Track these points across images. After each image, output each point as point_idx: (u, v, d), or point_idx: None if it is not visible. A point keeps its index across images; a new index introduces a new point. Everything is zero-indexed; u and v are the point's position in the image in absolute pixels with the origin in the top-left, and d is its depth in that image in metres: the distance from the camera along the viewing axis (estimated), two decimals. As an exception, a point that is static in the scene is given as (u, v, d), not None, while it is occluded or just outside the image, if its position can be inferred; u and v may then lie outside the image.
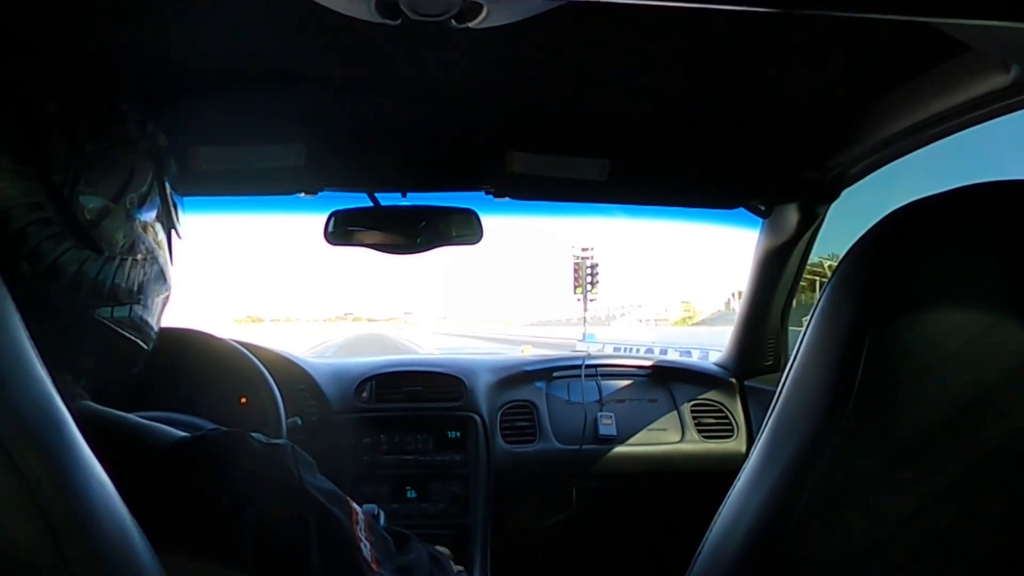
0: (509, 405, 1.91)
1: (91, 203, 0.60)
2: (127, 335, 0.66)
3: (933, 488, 0.43)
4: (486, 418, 1.84)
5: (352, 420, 1.82)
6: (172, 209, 0.74)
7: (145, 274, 0.67)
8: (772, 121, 1.32)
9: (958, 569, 0.43)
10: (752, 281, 1.81)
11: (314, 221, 1.57)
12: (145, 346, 0.70)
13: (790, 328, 1.90)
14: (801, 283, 1.82)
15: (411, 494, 1.78)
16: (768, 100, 1.24)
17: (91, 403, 0.66)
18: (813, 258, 1.75)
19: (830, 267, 0.53)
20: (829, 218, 1.61)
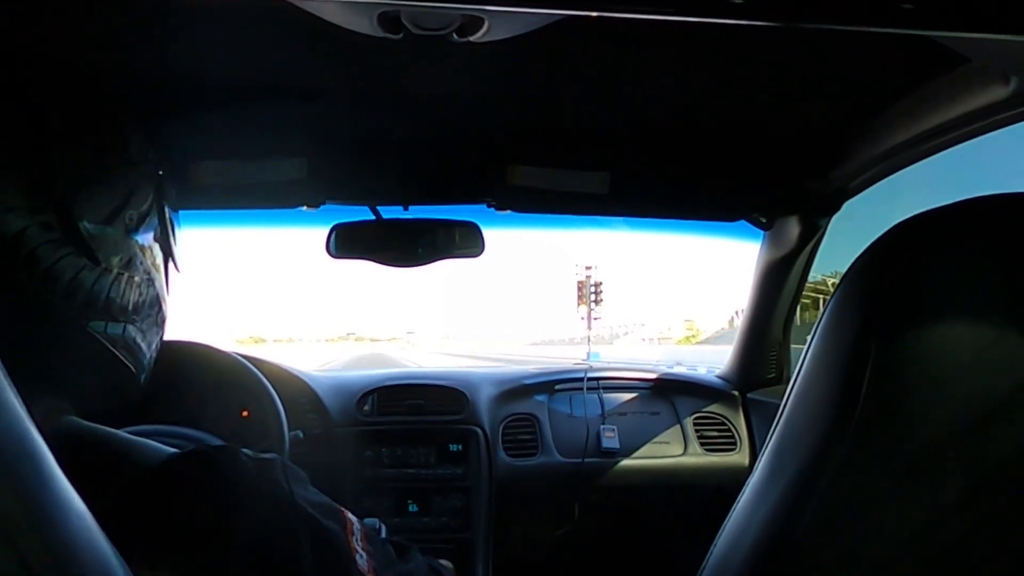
0: (511, 418, 1.91)
1: (91, 214, 0.60)
2: (119, 355, 0.66)
3: (941, 502, 0.42)
4: (488, 431, 1.84)
5: (354, 433, 1.81)
6: (171, 236, 0.74)
7: (141, 295, 0.67)
8: (773, 134, 1.33)
9: None
10: (754, 294, 1.80)
11: (316, 235, 1.57)
12: (136, 372, 0.69)
13: (792, 344, 1.90)
14: (804, 300, 1.82)
15: (413, 508, 1.77)
16: (769, 113, 1.25)
17: (76, 419, 0.65)
18: (816, 275, 1.75)
19: (833, 284, 0.52)
20: (831, 234, 1.61)
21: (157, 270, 0.70)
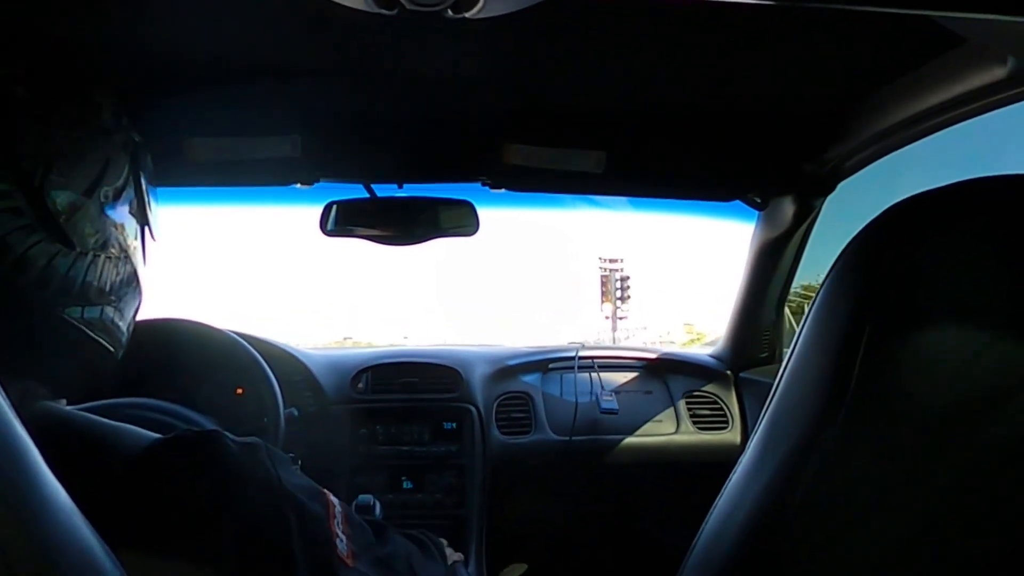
0: (505, 396, 1.92)
1: (63, 194, 0.58)
2: (97, 338, 0.64)
3: (930, 486, 0.42)
4: (482, 409, 1.85)
5: (348, 411, 1.82)
6: (147, 207, 0.71)
7: (118, 274, 0.64)
8: (769, 113, 1.32)
9: (957, 566, 0.43)
10: (748, 274, 1.81)
11: (309, 214, 1.57)
12: (113, 350, 0.67)
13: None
14: (798, 301, 1.83)
15: (407, 484, 1.79)
16: (765, 92, 1.24)
17: (51, 404, 0.63)
18: (811, 281, 1.75)
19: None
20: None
21: (133, 245, 0.68)
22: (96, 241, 0.61)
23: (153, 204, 0.74)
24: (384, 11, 0.75)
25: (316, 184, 1.47)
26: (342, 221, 1.54)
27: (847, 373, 0.44)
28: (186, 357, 1.50)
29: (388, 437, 1.82)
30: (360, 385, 1.87)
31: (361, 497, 1.35)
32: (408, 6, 0.74)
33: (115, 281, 0.64)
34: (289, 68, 1.14)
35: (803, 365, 0.49)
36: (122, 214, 0.65)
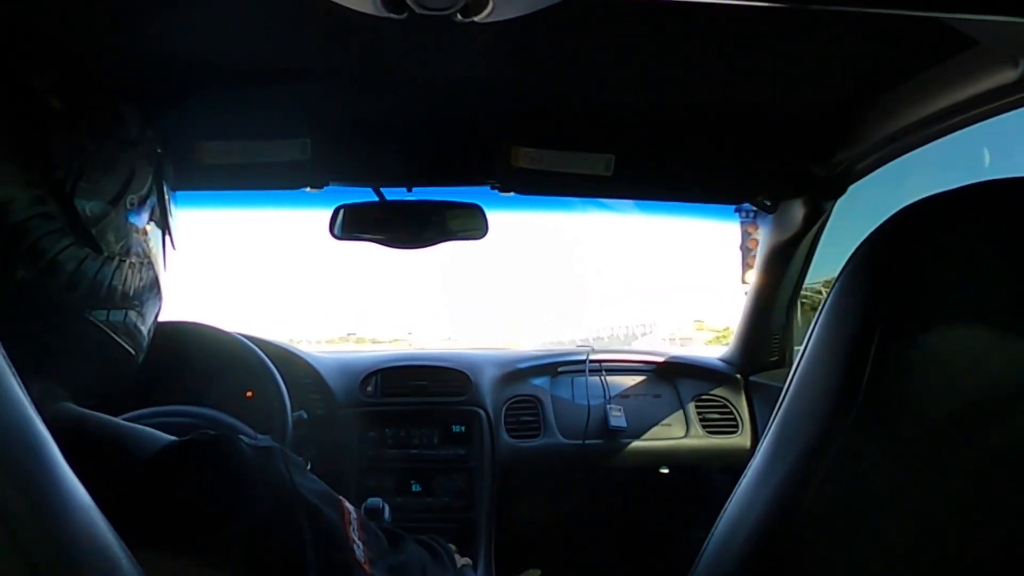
0: (514, 400, 1.92)
1: (92, 201, 0.60)
2: (120, 341, 0.66)
3: (940, 487, 0.42)
4: (491, 412, 1.85)
5: (357, 414, 1.82)
6: (168, 215, 0.73)
7: (141, 279, 0.67)
8: (778, 116, 1.32)
9: (963, 568, 0.43)
10: (758, 277, 1.80)
11: (318, 223, 1.57)
12: (135, 354, 0.69)
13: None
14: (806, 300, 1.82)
15: (416, 488, 1.79)
16: (774, 95, 1.24)
17: (70, 405, 0.64)
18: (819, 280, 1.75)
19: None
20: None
21: (155, 251, 0.70)
22: (121, 247, 0.63)
23: (174, 212, 0.76)
24: (393, 15, 0.76)
25: (325, 188, 1.47)
26: (351, 225, 1.54)
27: (858, 375, 0.43)
28: (195, 360, 1.50)
29: (397, 440, 1.82)
30: (369, 388, 1.88)
31: (370, 500, 1.36)
32: (417, 10, 0.74)
33: (138, 286, 0.66)
34: (299, 72, 1.15)
35: (814, 368, 0.49)
36: (145, 221, 0.67)
